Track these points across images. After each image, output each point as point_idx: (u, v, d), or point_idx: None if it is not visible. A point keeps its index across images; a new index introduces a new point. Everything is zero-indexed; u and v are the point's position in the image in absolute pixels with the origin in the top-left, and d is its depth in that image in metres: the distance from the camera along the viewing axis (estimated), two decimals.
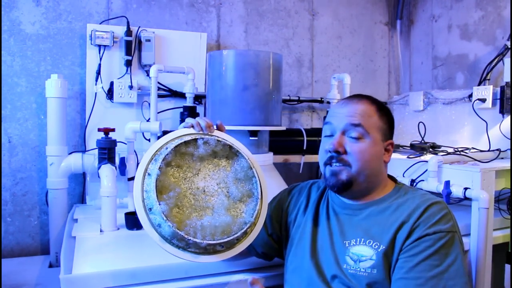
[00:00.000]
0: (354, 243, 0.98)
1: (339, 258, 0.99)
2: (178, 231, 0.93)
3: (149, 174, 1.00)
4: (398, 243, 0.93)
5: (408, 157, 1.93)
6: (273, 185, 1.73)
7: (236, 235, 0.98)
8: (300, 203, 1.17)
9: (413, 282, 0.88)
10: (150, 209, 0.97)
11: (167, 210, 0.95)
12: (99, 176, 1.71)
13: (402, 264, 0.91)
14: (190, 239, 0.94)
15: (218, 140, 1.06)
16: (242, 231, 0.99)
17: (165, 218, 0.94)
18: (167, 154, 1.01)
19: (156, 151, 1.04)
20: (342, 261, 0.98)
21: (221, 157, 1.08)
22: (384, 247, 0.93)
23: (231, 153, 1.09)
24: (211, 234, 0.96)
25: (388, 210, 0.99)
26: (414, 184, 1.79)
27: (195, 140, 1.05)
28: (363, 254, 0.96)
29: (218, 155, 1.08)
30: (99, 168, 1.72)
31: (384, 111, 1.05)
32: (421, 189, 1.07)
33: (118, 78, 2.11)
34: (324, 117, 2.51)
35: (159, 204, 0.95)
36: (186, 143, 1.04)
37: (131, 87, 2.10)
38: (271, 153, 1.81)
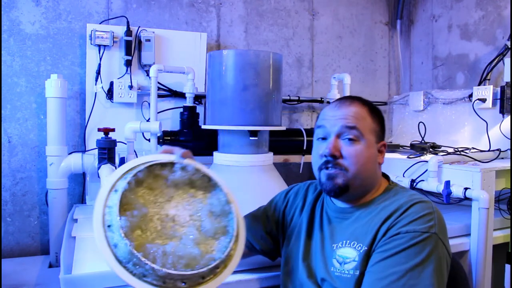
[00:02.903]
0: (341, 246, 0.98)
1: (327, 261, 0.99)
2: (135, 252, 0.81)
3: (115, 190, 0.90)
4: (376, 241, 0.92)
5: (408, 157, 1.93)
6: (273, 185, 1.73)
7: (201, 270, 0.83)
8: (297, 205, 1.17)
9: (375, 275, 0.87)
10: (109, 226, 0.87)
11: (127, 228, 0.84)
12: (99, 176, 1.70)
13: (372, 259, 0.91)
14: (147, 264, 0.80)
15: (197, 169, 0.97)
16: (209, 267, 0.84)
17: (122, 235, 0.82)
18: (139, 171, 0.91)
19: (129, 170, 0.94)
20: (329, 264, 0.98)
21: (198, 187, 0.98)
22: (365, 248, 0.93)
23: (209, 186, 0.99)
24: (173, 263, 0.82)
25: (375, 211, 0.98)
26: (414, 184, 1.79)
27: (173, 163, 0.96)
28: (347, 256, 0.95)
29: (195, 185, 0.98)
30: (99, 168, 1.72)
31: (375, 112, 1.04)
32: (414, 189, 1.05)
33: (118, 78, 2.11)
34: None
35: (119, 219, 0.84)
36: (162, 165, 0.95)
37: (131, 87, 2.10)
38: (271, 153, 1.81)
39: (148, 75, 2.13)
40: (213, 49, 2.43)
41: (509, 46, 2.11)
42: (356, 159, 0.97)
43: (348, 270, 0.94)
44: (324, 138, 1.02)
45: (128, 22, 2.13)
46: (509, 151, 1.96)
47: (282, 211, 1.20)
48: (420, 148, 2.04)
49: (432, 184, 1.72)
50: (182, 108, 2.13)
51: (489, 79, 2.22)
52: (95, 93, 2.10)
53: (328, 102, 2.53)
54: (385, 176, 1.09)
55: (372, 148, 1.00)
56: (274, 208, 1.22)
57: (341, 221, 1.03)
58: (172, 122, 2.24)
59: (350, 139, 0.98)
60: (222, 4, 2.47)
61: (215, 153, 1.77)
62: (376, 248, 0.91)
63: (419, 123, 2.19)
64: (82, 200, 2.17)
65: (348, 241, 0.97)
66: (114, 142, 1.76)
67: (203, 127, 1.82)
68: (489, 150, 1.97)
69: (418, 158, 1.90)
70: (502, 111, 2.02)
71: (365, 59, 2.88)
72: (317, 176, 1.03)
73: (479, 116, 2.08)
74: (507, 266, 1.68)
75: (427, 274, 0.84)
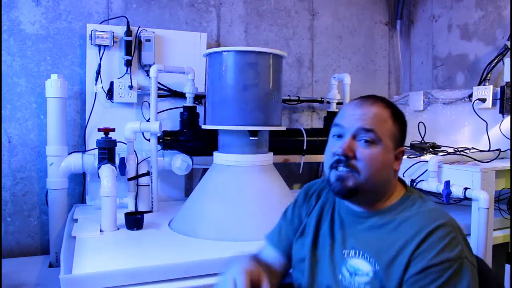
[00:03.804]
0: (353, 255, 0.94)
1: (336, 269, 0.95)
2: None
3: None
4: (397, 270, 0.86)
5: (408, 157, 1.93)
6: (273, 185, 1.73)
7: None
8: (310, 205, 1.12)
9: None
10: None
11: None
12: (99, 176, 1.71)
13: None
14: None
15: None
16: None
17: None
18: None
19: None
20: (338, 272, 0.95)
21: None
22: (379, 267, 0.88)
23: None
24: None
25: (391, 225, 0.92)
26: (414, 184, 1.79)
27: None
28: (359, 268, 0.91)
29: None
30: (99, 168, 1.72)
31: (398, 116, 0.97)
32: (431, 198, 0.98)
33: (118, 78, 2.11)
34: (325, 117, 2.51)
35: None
36: None
37: (131, 87, 2.10)
38: (271, 153, 1.81)
39: (148, 75, 2.13)
40: None
41: (509, 46, 2.11)
42: (370, 162, 0.91)
43: (359, 283, 0.90)
44: (340, 136, 0.95)
45: (128, 22, 2.13)
46: (509, 151, 1.96)
47: (301, 213, 1.13)
48: (420, 148, 2.04)
49: (432, 184, 1.72)
50: (182, 108, 2.13)
51: (489, 79, 2.22)
52: (95, 93, 2.10)
53: (328, 102, 2.53)
54: (402, 182, 1.03)
55: (389, 153, 0.94)
56: (295, 211, 1.15)
57: (355, 225, 0.98)
58: (172, 122, 2.24)
59: (366, 141, 0.91)
60: (222, 4, 2.47)
61: (215, 153, 1.77)
62: (407, 283, 0.85)
63: (419, 123, 2.19)
64: (82, 200, 2.17)
65: (361, 252, 0.93)
66: (114, 142, 1.76)
67: (203, 127, 1.82)
68: (489, 150, 1.97)
69: (418, 158, 1.89)
70: (502, 111, 2.02)
71: (365, 59, 2.88)
72: (327, 175, 0.97)
73: (479, 116, 2.08)
74: (507, 266, 1.68)
75: None
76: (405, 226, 0.90)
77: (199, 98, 2.26)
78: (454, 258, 0.83)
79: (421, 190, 1.81)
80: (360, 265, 0.91)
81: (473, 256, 0.89)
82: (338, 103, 2.50)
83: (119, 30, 2.12)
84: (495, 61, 2.19)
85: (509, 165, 1.73)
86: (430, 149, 2.04)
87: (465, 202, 1.78)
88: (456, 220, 0.92)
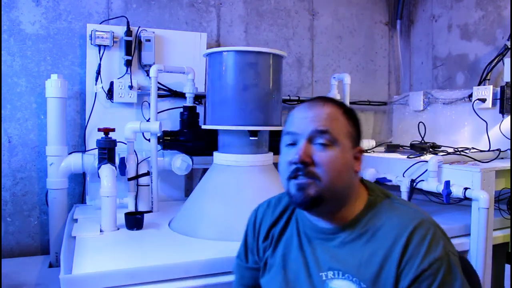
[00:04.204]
0: (332, 276, 0.87)
1: None
2: None
3: None
4: (386, 284, 0.82)
5: (408, 157, 1.93)
6: (273, 185, 1.73)
7: None
8: (263, 228, 1.03)
9: None
10: None
11: None
12: (99, 176, 1.71)
13: None
14: None
15: None
16: None
17: None
18: None
19: None
20: None
21: None
22: (365, 286, 0.84)
23: None
24: None
25: (364, 237, 0.87)
26: (414, 184, 1.79)
27: None
28: None
29: None
30: (99, 168, 1.72)
31: (351, 114, 0.92)
32: (397, 198, 0.94)
33: (118, 78, 2.11)
34: None
35: None
36: None
37: (131, 87, 2.10)
38: (271, 153, 1.80)
39: (148, 75, 2.13)
40: None
41: (509, 46, 2.11)
42: (330, 166, 0.85)
43: None
44: (293, 144, 0.89)
45: (128, 22, 2.13)
46: (509, 151, 1.96)
47: (257, 236, 1.04)
48: (420, 148, 2.04)
49: (432, 184, 1.72)
50: (182, 108, 2.13)
51: (489, 79, 2.22)
52: (95, 93, 2.10)
53: None
54: (362, 182, 0.97)
55: (348, 154, 0.88)
56: (250, 234, 1.07)
57: (323, 243, 0.91)
58: (172, 122, 2.24)
59: (322, 144, 0.85)
60: (222, 4, 2.47)
61: (215, 153, 1.77)
62: None
63: (419, 123, 2.19)
64: (82, 200, 2.17)
65: (340, 273, 0.87)
66: (114, 142, 1.76)
67: (203, 127, 1.82)
68: (489, 150, 1.97)
69: (418, 158, 1.90)
70: (502, 111, 2.02)
71: (365, 59, 2.88)
72: (286, 187, 0.89)
73: (479, 116, 2.08)
74: (507, 266, 1.68)
75: None
76: (380, 236, 0.86)
77: (199, 98, 2.26)
78: (441, 256, 0.81)
79: (421, 190, 1.81)
80: (343, 286, 0.86)
81: (452, 244, 0.87)
82: None
83: (119, 30, 2.12)
84: (495, 61, 2.19)
85: (509, 165, 1.73)
86: (430, 149, 2.04)
87: (465, 202, 1.78)
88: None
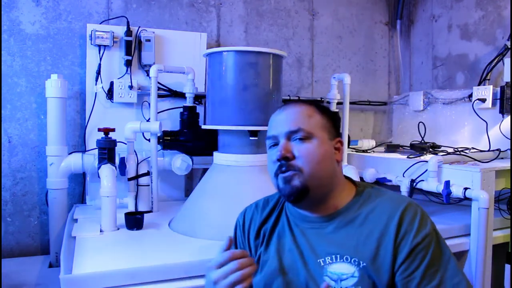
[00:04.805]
0: (330, 261, 0.91)
1: (317, 280, 0.91)
2: None
3: None
4: (384, 261, 0.88)
5: (408, 157, 1.93)
6: (272, 185, 1.73)
7: None
8: (257, 225, 1.06)
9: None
10: None
11: None
12: (99, 176, 1.71)
13: (405, 281, 0.86)
14: None
15: None
16: None
17: None
18: None
19: None
20: (320, 282, 0.90)
21: None
22: (364, 263, 0.88)
23: None
24: None
25: (357, 220, 0.93)
26: (414, 184, 1.79)
27: None
28: (343, 272, 0.89)
29: None
30: (99, 168, 1.72)
31: (323, 109, 1.01)
32: (382, 187, 1.01)
33: (118, 78, 2.11)
34: None
35: None
36: None
37: (131, 87, 2.10)
38: None
39: (148, 75, 2.13)
40: None
41: (509, 46, 2.11)
42: (309, 157, 0.92)
43: (347, 287, 0.89)
44: (275, 145, 0.97)
45: (128, 22, 2.13)
46: (509, 151, 1.96)
47: (247, 245, 1.07)
48: (420, 148, 2.04)
49: (432, 184, 1.72)
50: (182, 108, 2.13)
51: (489, 79, 2.22)
52: (95, 93, 2.10)
53: (328, 102, 2.53)
54: (350, 180, 1.03)
55: (326, 144, 0.95)
56: (240, 234, 1.09)
57: (317, 231, 0.96)
58: (172, 122, 2.24)
59: (300, 139, 0.94)
60: (222, 4, 2.47)
61: (215, 153, 1.77)
62: (400, 271, 0.87)
63: (419, 123, 2.19)
64: (82, 200, 2.17)
65: (338, 256, 0.91)
66: (114, 142, 1.76)
67: (203, 127, 1.82)
68: (489, 150, 1.97)
69: (418, 158, 1.90)
70: (502, 111, 2.02)
71: (365, 59, 2.88)
72: (275, 184, 0.98)
73: (479, 116, 2.08)
74: (507, 266, 1.68)
75: (456, 265, 0.89)
76: (374, 217, 0.92)
77: (199, 98, 2.26)
78: (430, 232, 0.89)
79: (421, 190, 1.81)
80: (343, 269, 0.90)
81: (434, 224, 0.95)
82: (338, 103, 2.50)
83: (119, 30, 2.12)
84: (495, 61, 2.19)
85: (509, 165, 1.73)
86: (430, 149, 2.04)
87: (465, 202, 1.78)
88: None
